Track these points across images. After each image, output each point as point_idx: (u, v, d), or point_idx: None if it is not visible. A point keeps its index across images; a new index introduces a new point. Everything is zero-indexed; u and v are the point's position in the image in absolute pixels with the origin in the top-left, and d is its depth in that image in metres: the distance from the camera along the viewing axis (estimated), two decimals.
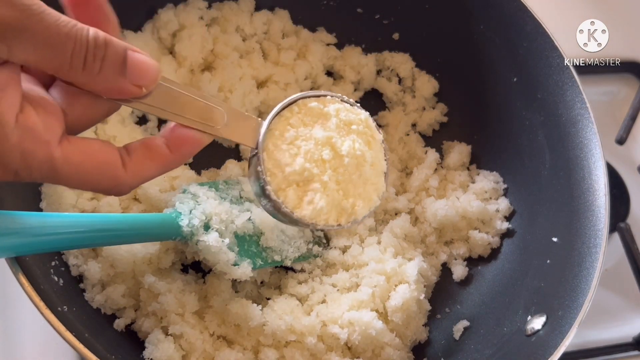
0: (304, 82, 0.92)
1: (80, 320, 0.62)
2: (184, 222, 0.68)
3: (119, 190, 0.51)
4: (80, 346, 0.57)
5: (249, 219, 0.74)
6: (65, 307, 0.61)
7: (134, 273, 0.72)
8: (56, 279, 0.65)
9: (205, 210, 0.70)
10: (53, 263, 0.66)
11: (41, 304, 0.57)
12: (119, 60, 0.46)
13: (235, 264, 0.70)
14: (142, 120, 0.85)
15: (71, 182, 0.48)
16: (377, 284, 0.76)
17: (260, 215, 0.75)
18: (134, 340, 0.70)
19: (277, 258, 0.76)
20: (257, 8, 0.93)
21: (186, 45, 0.86)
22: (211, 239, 0.68)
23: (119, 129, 0.80)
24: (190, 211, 0.69)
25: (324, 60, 0.94)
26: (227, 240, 0.69)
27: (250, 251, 0.73)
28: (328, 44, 0.96)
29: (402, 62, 0.96)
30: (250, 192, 0.78)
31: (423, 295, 0.79)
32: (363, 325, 0.72)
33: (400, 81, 0.96)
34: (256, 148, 0.59)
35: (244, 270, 0.70)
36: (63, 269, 0.68)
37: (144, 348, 0.68)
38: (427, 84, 0.95)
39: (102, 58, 0.45)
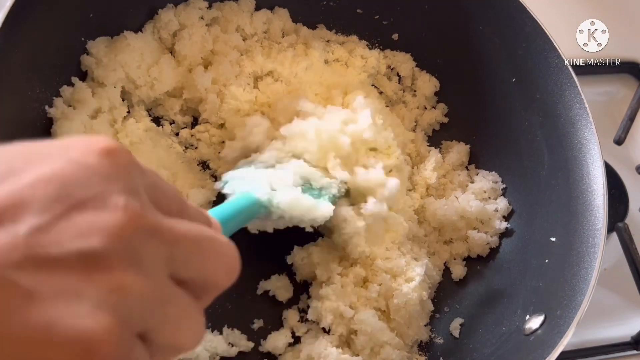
0: (304, 80, 0.92)
1: None
2: (258, 193, 0.67)
3: None
4: None
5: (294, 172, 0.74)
6: None
7: None
8: None
9: (262, 179, 0.70)
10: None
11: None
12: None
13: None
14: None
15: None
16: (383, 282, 0.76)
17: (302, 167, 0.75)
18: None
19: (334, 192, 0.76)
20: (257, 8, 0.93)
21: (186, 45, 0.86)
22: (286, 193, 0.68)
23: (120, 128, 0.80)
24: (251, 185, 0.69)
25: (324, 57, 0.94)
26: (299, 188, 0.71)
27: (316, 193, 0.74)
28: (328, 41, 0.96)
29: (402, 62, 0.96)
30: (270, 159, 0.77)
31: (427, 295, 0.79)
32: (362, 323, 0.73)
33: (400, 80, 0.96)
34: None
35: (327, 207, 0.71)
36: None
37: None
38: (427, 83, 0.95)
39: None
